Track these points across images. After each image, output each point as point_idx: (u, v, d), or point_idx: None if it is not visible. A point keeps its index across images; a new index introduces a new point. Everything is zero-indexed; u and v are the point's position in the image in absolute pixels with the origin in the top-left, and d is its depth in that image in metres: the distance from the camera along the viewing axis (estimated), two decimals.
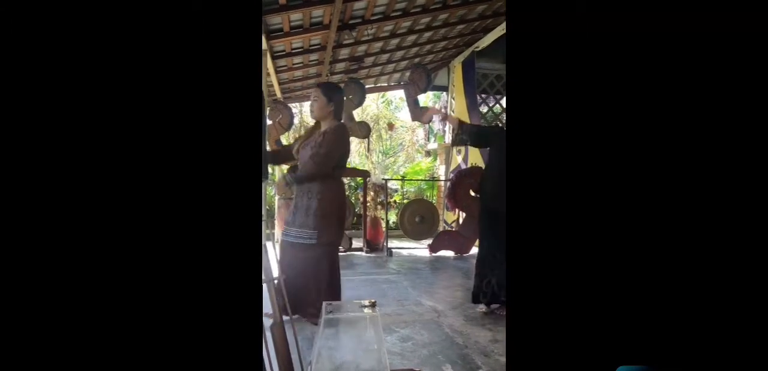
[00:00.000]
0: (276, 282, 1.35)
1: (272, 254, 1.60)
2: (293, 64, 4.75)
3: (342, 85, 4.24)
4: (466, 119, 5.43)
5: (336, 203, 2.46)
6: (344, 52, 4.77)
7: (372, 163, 7.83)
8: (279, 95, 5.22)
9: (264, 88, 3.50)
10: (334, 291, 2.41)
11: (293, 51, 4.36)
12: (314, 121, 2.57)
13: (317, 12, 3.68)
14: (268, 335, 1.26)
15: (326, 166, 2.41)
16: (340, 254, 2.63)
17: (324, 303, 1.29)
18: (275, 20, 3.56)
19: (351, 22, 3.99)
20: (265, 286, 1.25)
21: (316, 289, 2.36)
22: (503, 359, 2.14)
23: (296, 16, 3.65)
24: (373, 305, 1.27)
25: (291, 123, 4.16)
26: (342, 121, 2.59)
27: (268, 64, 4.11)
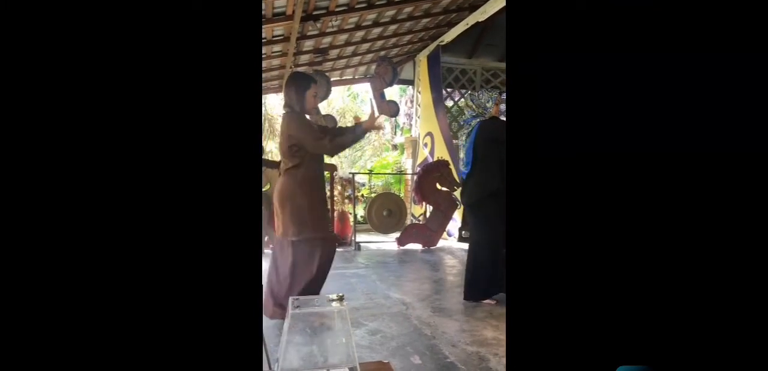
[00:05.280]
0: None
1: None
2: None
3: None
4: (432, 113, 5.48)
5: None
6: (308, 44, 4.68)
7: (339, 157, 7.77)
8: None
9: None
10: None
11: None
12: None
13: (280, 1, 3.59)
14: None
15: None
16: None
17: (291, 299, 1.26)
18: None
19: (315, 13, 3.92)
20: None
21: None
22: (470, 348, 2.17)
23: None
24: (340, 299, 1.25)
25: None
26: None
27: None
